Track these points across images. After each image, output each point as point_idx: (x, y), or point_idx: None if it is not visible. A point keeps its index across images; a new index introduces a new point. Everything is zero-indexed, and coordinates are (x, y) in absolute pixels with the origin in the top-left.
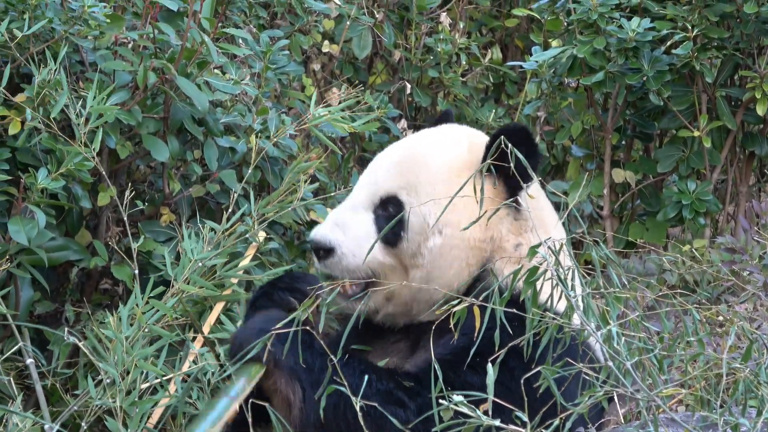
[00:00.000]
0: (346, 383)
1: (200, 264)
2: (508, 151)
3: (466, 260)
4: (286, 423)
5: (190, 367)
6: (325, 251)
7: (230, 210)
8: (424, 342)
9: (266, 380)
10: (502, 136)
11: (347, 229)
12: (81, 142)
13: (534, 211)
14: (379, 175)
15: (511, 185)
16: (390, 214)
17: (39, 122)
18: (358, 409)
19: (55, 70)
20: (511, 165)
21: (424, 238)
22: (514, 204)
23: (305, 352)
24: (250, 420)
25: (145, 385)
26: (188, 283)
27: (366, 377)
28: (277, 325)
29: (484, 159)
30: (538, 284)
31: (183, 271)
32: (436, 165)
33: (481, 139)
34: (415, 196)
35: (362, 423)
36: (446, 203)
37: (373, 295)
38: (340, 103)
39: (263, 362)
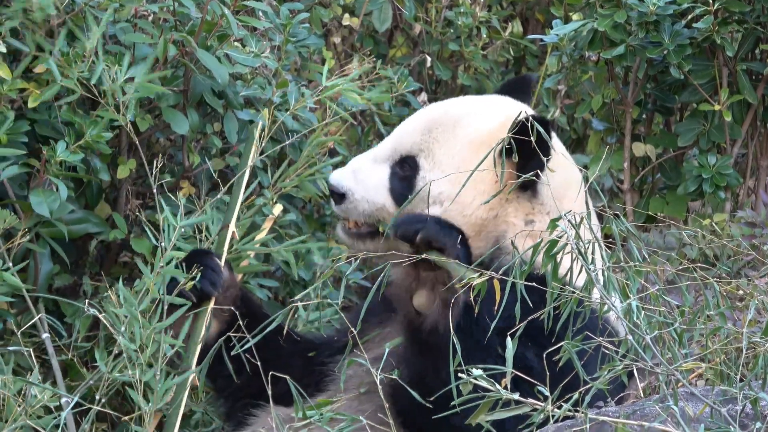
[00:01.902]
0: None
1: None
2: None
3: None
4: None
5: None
6: (339, 195)
7: (252, 185)
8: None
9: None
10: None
11: (362, 177)
12: (114, 109)
13: (555, 187)
14: (406, 132)
15: (523, 168)
16: (404, 173)
17: (75, 84)
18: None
19: (94, 45)
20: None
21: (424, 205)
22: (526, 186)
23: None
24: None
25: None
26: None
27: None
28: None
29: (504, 145)
30: (558, 258)
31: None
32: (460, 137)
33: (515, 113)
34: (431, 163)
35: None
36: (456, 176)
37: (378, 240)
38: (359, 77)
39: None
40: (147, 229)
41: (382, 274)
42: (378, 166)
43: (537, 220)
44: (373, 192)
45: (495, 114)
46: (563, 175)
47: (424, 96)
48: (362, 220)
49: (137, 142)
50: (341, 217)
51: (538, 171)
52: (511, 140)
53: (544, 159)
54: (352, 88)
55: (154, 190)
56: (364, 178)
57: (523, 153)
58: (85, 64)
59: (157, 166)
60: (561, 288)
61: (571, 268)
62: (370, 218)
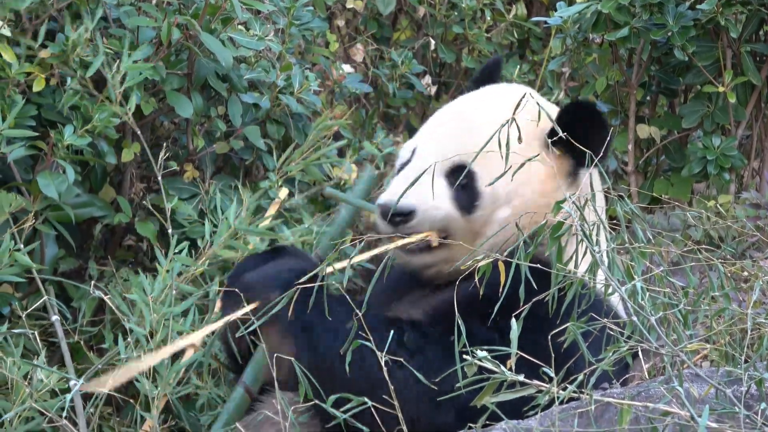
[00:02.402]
0: (366, 336)
1: (233, 229)
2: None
3: (524, 224)
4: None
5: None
6: (404, 215)
7: (258, 169)
8: (439, 294)
9: (263, 328)
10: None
11: (423, 193)
12: (116, 102)
13: (587, 182)
14: (445, 140)
15: (575, 159)
16: (461, 182)
17: (75, 78)
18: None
19: (91, 29)
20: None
21: (494, 208)
22: (572, 174)
23: (310, 311)
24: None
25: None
26: (211, 244)
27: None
28: (291, 276)
29: (551, 132)
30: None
31: (220, 237)
32: (504, 134)
33: (547, 105)
34: (485, 166)
35: (352, 376)
36: (513, 174)
37: (436, 252)
38: (363, 60)
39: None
40: (152, 214)
41: (386, 258)
42: (431, 179)
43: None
44: (441, 202)
45: (537, 100)
46: (596, 182)
47: (428, 79)
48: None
49: (137, 131)
50: (402, 234)
51: (591, 157)
52: (572, 123)
53: (602, 146)
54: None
55: (159, 177)
56: (425, 194)
57: (577, 140)
58: (90, 49)
59: (162, 157)
60: (565, 271)
61: (576, 251)
62: (432, 227)
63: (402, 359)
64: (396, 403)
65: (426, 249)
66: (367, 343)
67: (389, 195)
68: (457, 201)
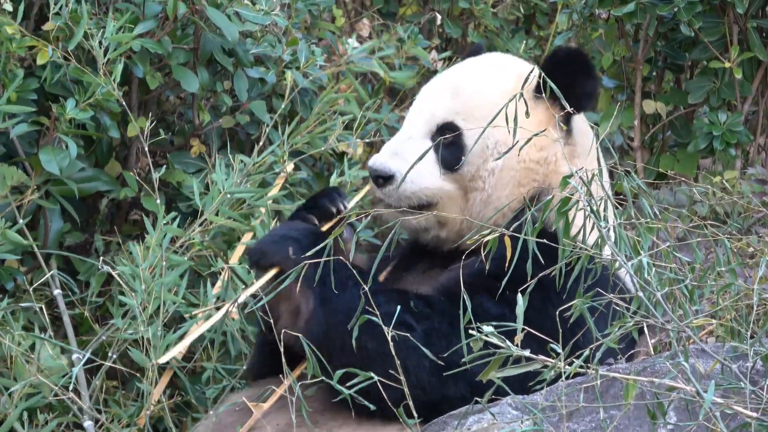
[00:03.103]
0: (355, 305)
1: (229, 196)
2: (561, 73)
3: (519, 179)
4: (288, 330)
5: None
6: (384, 179)
7: (261, 142)
8: (449, 268)
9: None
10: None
11: (406, 156)
12: (101, 73)
13: (580, 137)
14: (432, 104)
15: (565, 108)
16: (447, 140)
17: (59, 56)
18: (357, 331)
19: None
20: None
21: (483, 160)
22: (563, 125)
23: (324, 266)
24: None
25: (164, 314)
26: (217, 215)
27: (377, 299)
28: (301, 235)
29: (539, 82)
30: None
31: (212, 203)
32: (489, 90)
33: (528, 65)
34: (472, 121)
35: (365, 344)
36: (502, 126)
37: (426, 215)
38: (369, 35)
39: (281, 265)
40: (159, 188)
41: (392, 231)
42: (417, 142)
43: (576, 165)
44: (424, 166)
45: (507, 66)
46: (585, 126)
47: (434, 54)
48: (405, 203)
49: (122, 102)
50: (385, 202)
51: (575, 109)
52: (547, 77)
53: (587, 90)
54: (377, 64)
55: (146, 149)
56: (408, 156)
57: (564, 86)
58: (94, 21)
59: (148, 128)
60: (573, 245)
61: (584, 225)
62: (411, 200)
63: (411, 331)
64: (403, 375)
65: (416, 210)
66: (373, 318)
67: (374, 158)
68: (442, 160)
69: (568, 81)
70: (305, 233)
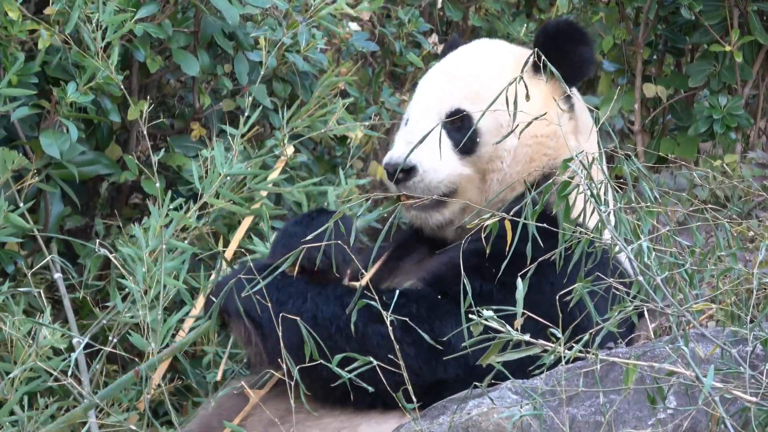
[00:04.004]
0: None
1: (228, 178)
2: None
3: (531, 155)
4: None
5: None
6: (405, 172)
7: (256, 112)
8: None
9: (232, 332)
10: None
11: (422, 146)
12: (98, 56)
13: (581, 113)
14: (437, 92)
15: (565, 75)
16: (460, 125)
17: (57, 40)
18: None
19: None
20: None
21: (494, 140)
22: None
23: (259, 291)
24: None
25: (164, 298)
26: (217, 197)
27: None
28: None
29: (536, 57)
30: (572, 199)
31: (211, 185)
32: (492, 71)
33: (519, 48)
34: (479, 104)
35: (339, 342)
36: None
37: (449, 207)
38: (370, 17)
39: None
40: (159, 171)
41: (392, 215)
42: (428, 132)
43: (580, 146)
44: (443, 154)
45: (502, 48)
46: (583, 104)
47: (434, 37)
48: (426, 194)
49: (120, 85)
50: (408, 196)
51: (576, 77)
52: (543, 51)
53: (584, 51)
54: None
55: (144, 132)
56: (424, 146)
57: (558, 59)
58: (95, 5)
59: (146, 111)
60: (572, 228)
61: (584, 209)
62: (434, 190)
63: (409, 316)
64: (402, 361)
65: (441, 204)
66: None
67: (390, 154)
68: (456, 144)
69: (561, 53)
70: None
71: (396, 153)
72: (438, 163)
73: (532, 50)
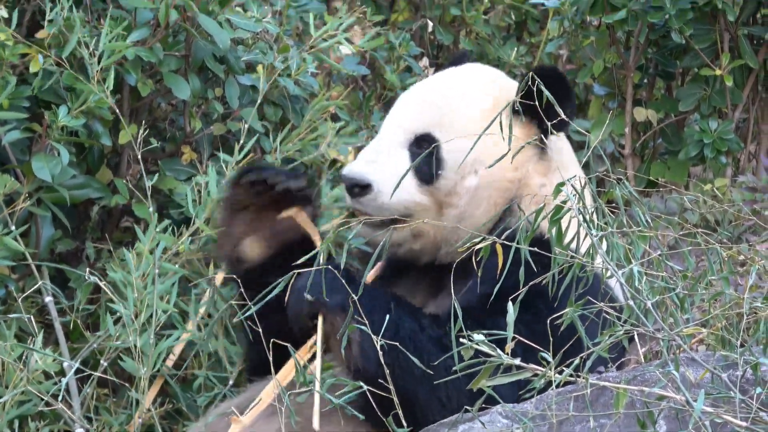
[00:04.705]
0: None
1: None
2: (541, 92)
3: (495, 199)
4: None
5: (209, 304)
6: (361, 188)
7: (251, 141)
8: (448, 285)
9: (325, 325)
10: (532, 75)
11: (383, 166)
12: (94, 81)
13: (556, 153)
14: (410, 113)
15: (542, 126)
16: (425, 151)
17: (51, 63)
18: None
19: (70, 6)
20: (539, 105)
21: (461, 176)
22: (540, 144)
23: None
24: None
25: (156, 323)
26: (208, 223)
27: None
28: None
29: (519, 98)
30: (564, 223)
31: (204, 210)
32: (468, 103)
33: (509, 80)
34: (450, 134)
35: (415, 362)
36: (480, 141)
37: (399, 230)
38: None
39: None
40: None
41: (383, 240)
42: (394, 152)
43: (547, 183)
44: (398, 175)
45: (488, 80)
46: (561, 142)
47: (425, 61)
48: (379, 214)
49: (115, 109)
50: (360, 211)
51: (554, 129)
52: (530, 96)
53: (566, 111)
54: (343, 37)
55: (139, 156)
56: (385, 166)
57: (541, 107)
58: (87, 29)
59: (141, 135)
60: (564, 253)
61: (578, 233)
62: (386, 212)
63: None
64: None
65: (390, 224)
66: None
67: (350, 166)
68: (418, 172)
69: (544, 101)
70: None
71: (355, 167)
72: (393, 185)
73: (517, 88)
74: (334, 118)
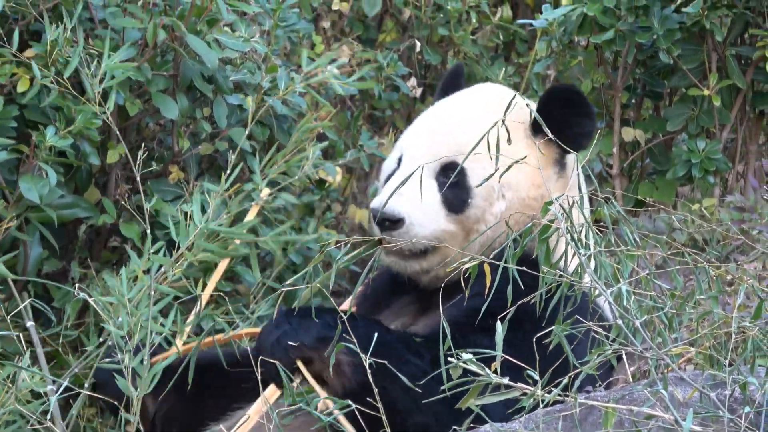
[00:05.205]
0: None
1: (206, 229)
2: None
3: (518, 219)
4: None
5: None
6: (393, 222)
7: (230, 168)
8: (436, 303)
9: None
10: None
11: (413, 198)
12: (96, 101)
13: (572, 170)
14: (434, 141)
15: (560, 146)
16: (453, 181)
17: (51, 81)
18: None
19: (72, 27)
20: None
21: (489, 203)
22: (559, 162)
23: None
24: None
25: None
26: (190, 250)
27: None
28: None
29: (534, 120)
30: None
31: (187, 238)
32: (488, 128)
33: (521, 98)
34: (475, 162)
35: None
36: (504, 166)
37: (428, 258)
38: (349, 61)
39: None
40: (136, 215)
41: (372, 259)
42: (421, 181)
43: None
44: (431, 209)
45: (502, 102)
46: (573, 159)
47: (413, 81)
48: (409, 247)
49: (115, 129)
50: (390, 242)
51: (572, 148)
52: (544, 114)
53: (584, 129)
54: (335, 75)
55: (137, 177)
56: (414, 198)
57: (559, 125)
58: (74, 50)
59: (141, 157)
60: (552, 272)
61: (565, 252)
62: (420, 243)
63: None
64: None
65: (421, 254)
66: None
67: (380, 200)
68: (446, 202)
69: (563, 120)
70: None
71: (385, 202)
72: (424, 217)
73: (534, 108)
74: (322, 137)
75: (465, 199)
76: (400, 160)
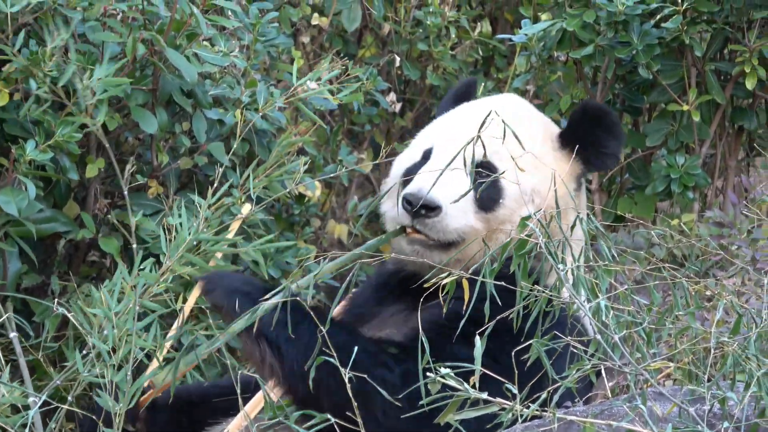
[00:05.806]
0: (334, 353)
1: (195, 243)
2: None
3: None
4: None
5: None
6: (430, 209)
7: (216, 183)
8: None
9: (246, 345)
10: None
11: (451, 190)
12: (87, 114)
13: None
14: (470, 137)
15: (587, 160)
16: (486, 179)
17: (44, 86)
18: (346, 380)
19: (56, 44)
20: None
21: (519, 205)
22: (583, 178)
23: (294, 324)
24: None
25: (134, 359)
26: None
27: (353, 346)
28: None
29: (565, 132)
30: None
31: (177, 250)
32: (522, 134)
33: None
34: (507, 163)
35: (348, 392)
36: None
37: (450, 253)
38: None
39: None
40: (117, 229)
41: (351, 273)
42: (459, 176)
43: (581, 214)
44: (462, 203)
45: (531, 111)
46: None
47: (392, 96)
48: (438, 237)
49: (106, 144)
50: (419, 231)
51: (598, 168)
52: (574, 129)
53: (610, 148)
54: (323, 89)
55: (125, 192)
56: (452, 190)
57: (588, 143)
58: (54, 63)
59: (129, 171)
60: (530, 288)
61: (541, 266)
62: (446, 236)
63: (390, 372)
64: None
65: (447, 246)
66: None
67: (417, 186)
68: (479, 199)
69: (592, 138)
70: (259, 288)
71: (424, 187)
72: (457, 210)
73: (565, 125)
74: (301, 152)
75: (497, 198)
76: (426, 153)
